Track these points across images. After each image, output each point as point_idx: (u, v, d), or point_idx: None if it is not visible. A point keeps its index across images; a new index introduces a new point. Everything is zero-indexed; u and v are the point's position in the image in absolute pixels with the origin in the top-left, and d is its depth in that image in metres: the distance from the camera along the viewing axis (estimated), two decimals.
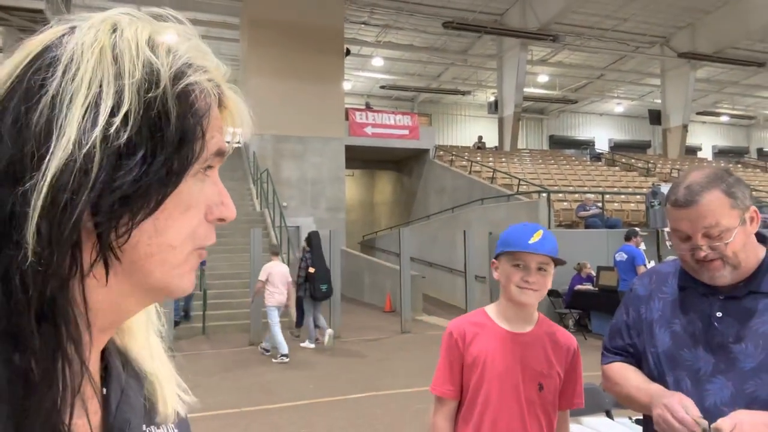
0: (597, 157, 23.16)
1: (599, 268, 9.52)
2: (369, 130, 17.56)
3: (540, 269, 1.56)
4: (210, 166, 0.49)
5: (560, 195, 14.01)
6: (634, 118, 30.02)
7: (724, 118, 30.19)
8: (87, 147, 0.40)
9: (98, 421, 0.47)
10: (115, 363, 0.51)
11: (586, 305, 9.58)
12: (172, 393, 0.56)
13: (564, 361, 1.62)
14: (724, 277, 1.30)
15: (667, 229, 10.23)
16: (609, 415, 3.17)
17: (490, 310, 1.70)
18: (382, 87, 25.61)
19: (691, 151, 27.19)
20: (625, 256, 8.16)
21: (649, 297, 1.47)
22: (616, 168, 20.50)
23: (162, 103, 0.44)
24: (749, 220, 1.30)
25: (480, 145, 22.22)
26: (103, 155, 0.41)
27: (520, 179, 14.83)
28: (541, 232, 1.57)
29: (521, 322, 1.63)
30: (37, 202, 0.39)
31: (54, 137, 0.40)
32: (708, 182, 1.29)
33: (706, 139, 30.99)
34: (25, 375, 0.39)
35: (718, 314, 1.32)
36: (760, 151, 31.08)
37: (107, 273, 0.44)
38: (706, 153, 29.90)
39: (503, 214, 12.23)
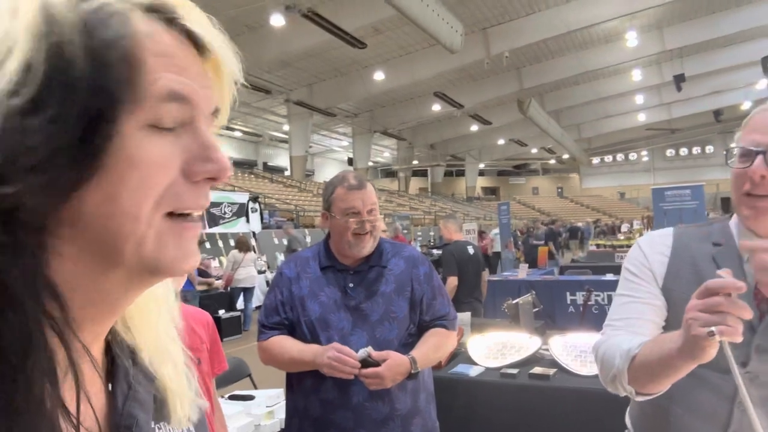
0: None
1: None
2: None
3: None
4: (174, 118, 0.41)
5: None
6: None
7: (237, 134, 34.49)
8: None
9: (104, 417, 0.44)
10: (122, 357, 0.47)
11: None
12: (184, 401, 0.50)
13: (207, 334, 1.75)
14: (367, 248, 1.74)
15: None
16: None
17: None
18: None
19: None
20: None
21: (297, 277, 1.78)
22: None
23: (65, 43, 0.36)
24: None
25: None
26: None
27: None
28: None
29: None
30: None
31: None
32: (363, 176, 1.79)
33: (225, 151, 34.65)
34: (8, 373, 0.35)
35: (351, 285, 1.74)
36: (265, 164, 36.99)
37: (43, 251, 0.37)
38: None
39: None
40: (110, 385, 0.46)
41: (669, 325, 1.15)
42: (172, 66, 0.40)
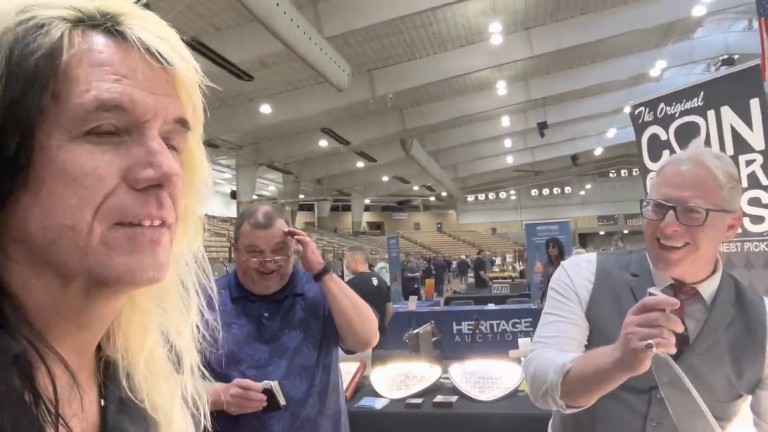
0: None
1: None
2: None
3: None
4: (113, 127, 0.40)
5: None
6: None
7: None
8: None
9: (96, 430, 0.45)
10: (115, 373, 0.48)
11: None
12: (172, 424, 0.51)
13: None
14: (272, 287, 1.69)
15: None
16: None
17: None
18: None
19: None
20: None
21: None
22: None
23: None
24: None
25: None
26: None
27: None
28: None
29: None
30: None
31: None
32: (276, 212, 1.69)
33: None
34: None
35: (266, 314, 1.69)
36: None
37: None
38: None
39: None
40: (102, 402, 0.46)
41: (590, 345, 1.24)
42: (109, 74, 0.39)
